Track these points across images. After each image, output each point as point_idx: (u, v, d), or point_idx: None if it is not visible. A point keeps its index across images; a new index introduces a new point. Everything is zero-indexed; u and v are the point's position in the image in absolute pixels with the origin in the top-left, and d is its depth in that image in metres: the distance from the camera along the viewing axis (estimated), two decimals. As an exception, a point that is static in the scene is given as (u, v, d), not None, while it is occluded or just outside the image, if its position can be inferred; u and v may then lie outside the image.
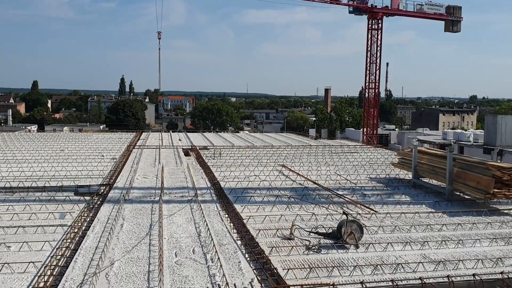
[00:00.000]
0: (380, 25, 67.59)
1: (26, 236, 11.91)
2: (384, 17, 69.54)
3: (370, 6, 66.56)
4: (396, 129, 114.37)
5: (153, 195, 17.21)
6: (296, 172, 22.13)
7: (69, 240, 11.57)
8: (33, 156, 27.01)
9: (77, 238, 11.93)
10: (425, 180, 19.70)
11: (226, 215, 14.31)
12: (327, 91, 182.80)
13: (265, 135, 47.85)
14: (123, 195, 16.82)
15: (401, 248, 11.37)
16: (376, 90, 71.50)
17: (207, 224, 12.91)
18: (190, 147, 33.53)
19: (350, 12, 69.15)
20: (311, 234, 12.14)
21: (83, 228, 12.91)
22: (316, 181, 19.76)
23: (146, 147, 32.97)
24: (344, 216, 11.64)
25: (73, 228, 12.62)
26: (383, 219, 14.13)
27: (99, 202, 16.05)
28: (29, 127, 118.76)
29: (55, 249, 10.90)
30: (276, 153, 30.13)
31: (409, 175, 21.53)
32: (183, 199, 16.66)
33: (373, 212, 14.74)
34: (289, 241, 11.72)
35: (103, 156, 27.80)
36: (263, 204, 15.56)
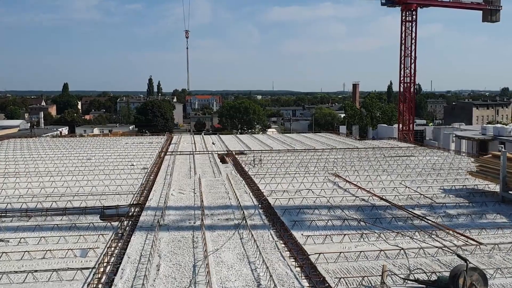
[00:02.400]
0: (414, 16, 63.40)
1: (36, 287, 9.24)
2: (419, 8, 65.58)
3: (403, -3, 62.53)
4: (430, 125, 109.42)
5: (192, 218, 14.43)
6: (354, 184, 19.00)
7: (91, 293, 8.85)
8: (57, 167, 24.67)
9: (101, 288, 9.19)
10: (514, 193, 16.29)
11: (286, 249, 11.36)
12: (355, 86, 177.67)
13: (302, 136, 44.72)
14: (158, 219, 14.09)
15: (542, 307, 8.18)
16: (412, 84, 67.58)
17: (267, 266, 9.97)
18: (226, 152, 30.75)
19: (382, 4, 65.08)
20: (409, 281, 9.07)
21: (109, 270, 10.19)
22: (384, 197, 16.60)
23: (179, 153, 30.35)
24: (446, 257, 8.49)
25: (96, 272, 9.90)
26: (490, 254, 10.91)
27: (129, 229, 13.36)
28: (60, 129, 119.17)
29: (72, 311, 8.18)
30: (322, 158, 27.02)
31: (490, 186, 18.17)
32: (228, 223, 13.80)
33: (476, 243, 11.50)
34: (381, 294, 8.69)
35: (133, 165, 25.27)
36: (328, 231, 12.55)
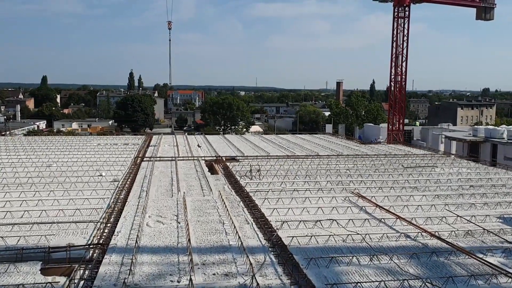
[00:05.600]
0: (407, 12, 60.45)
1: None
2: (411, 4, 62.46)
3: (396, -8, 59.26)
4: (417, 124, 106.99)
5: (175, 269, 9.95)
6: (385, 209, 14.68)
7: None
8: (5, 177, 19.81)
9: None
10: None
11: None
12: (339, 84, 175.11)
13: (298, 137, 40.29)
14: (125, 273, 9.56)
15: None
16: (403, 83, 64.38)
17: None
18: (215, 158, 26.18)
19: (374, -1, 61.98)
20: None
21: None
22: (436, 233, 12.27)
23: (158, 159, 25.65)
24: None
25: None
26: None
27: (79, 294, 8.81)
28: (37, 123, 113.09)
29: None
30: (330, 168, 22.70)
31: None
32: (230, 282, 9.33)
33: None
34: None
35: (101, 175, 20.58)
36: (387, 305, 8.16)
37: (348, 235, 11.95)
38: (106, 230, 12.67)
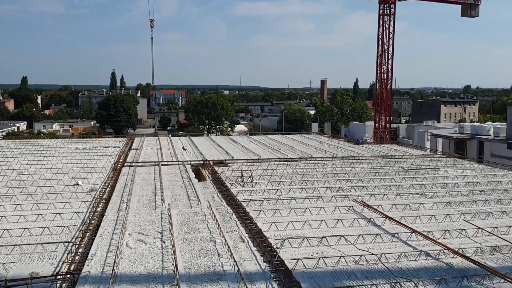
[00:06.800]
0: (393, 9, 59.82)
1: None
2: (397, 1, 61.83)
3: (382, -11, 58.49)
4: (403, 122, 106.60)
5: (159, 305, 8.20)
6: (396, 221, 13.12)
7: None
8: (-31, 188, 17.79)
9: None
10: None
11: None
12: (323, 83, 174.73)
13: (289, 138, 38.58)
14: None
15: None
16: (389, 81, 63.64)
17: None
18: (202, 162, 24.40)
19: (360, -4, 61.30)
20: None
21: None
22: (460, 250, 10.73)
23: (140, 164, 23.75)
24: None
25: None
26: None
27: None
28: (17, 124, 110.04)
29: None
30: (328, 172, 21.11)
31: None
32: (226, 322, 7.63)
33: None
34: None
35: (77, 184, 18.68)
36: None
37: (361, 255, 10.31)
38: (79, 253, 10.86)
